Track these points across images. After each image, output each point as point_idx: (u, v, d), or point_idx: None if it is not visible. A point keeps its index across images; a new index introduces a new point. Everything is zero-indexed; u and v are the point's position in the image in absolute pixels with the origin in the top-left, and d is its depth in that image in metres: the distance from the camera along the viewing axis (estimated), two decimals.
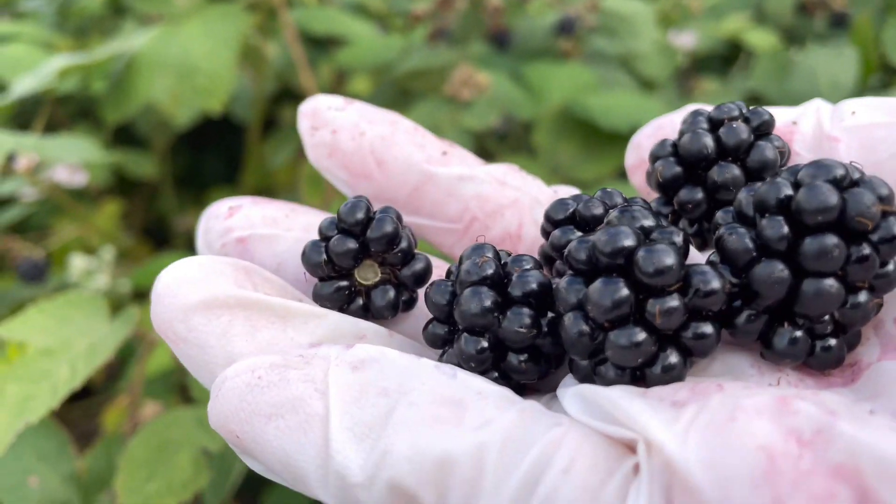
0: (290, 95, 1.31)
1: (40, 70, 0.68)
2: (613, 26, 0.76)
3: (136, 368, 0.36)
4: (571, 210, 0.23)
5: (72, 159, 0.55)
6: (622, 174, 0.82)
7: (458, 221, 0.26)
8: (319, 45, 1.29)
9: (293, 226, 0.25)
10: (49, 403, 0.31)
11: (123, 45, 0.70)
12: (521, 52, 0.78)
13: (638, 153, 0.27)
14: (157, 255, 0.87)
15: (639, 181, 0.27)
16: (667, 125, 0.27)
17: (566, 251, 0.19)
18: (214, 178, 1.54)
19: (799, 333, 0.19)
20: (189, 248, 1.16)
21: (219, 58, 0.66)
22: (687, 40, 1.02)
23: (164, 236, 1.37)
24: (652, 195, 0.25)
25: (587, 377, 0.19)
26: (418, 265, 0.23)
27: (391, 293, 0.22)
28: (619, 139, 0.69)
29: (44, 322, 0.35)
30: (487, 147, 0.76)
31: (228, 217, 0.25)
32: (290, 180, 1.07)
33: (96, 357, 0.32)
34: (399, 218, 0.23)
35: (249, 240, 0.24)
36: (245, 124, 1.12)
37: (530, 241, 0.26)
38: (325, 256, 0.22)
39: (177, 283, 0.21)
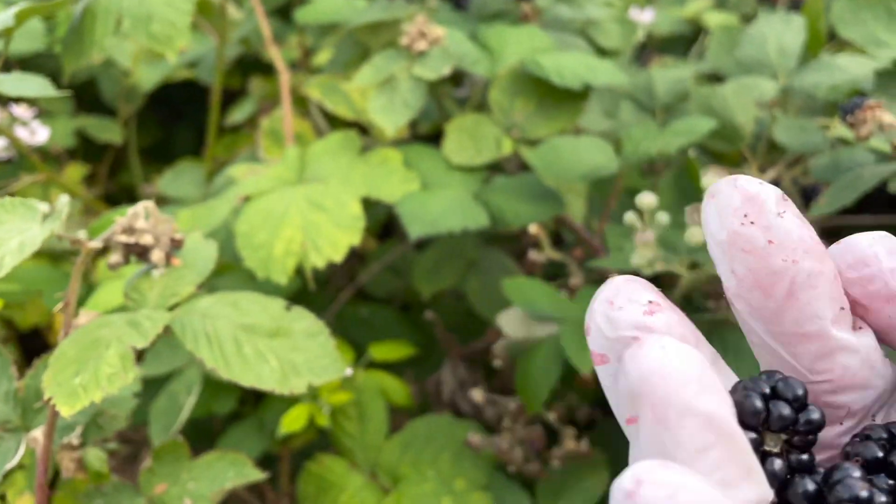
0: (257, 65, 1.31)
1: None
2: None
3: (73, 277, 0.37)
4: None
5: (30, 93, 0.55)
6: (574, 132, 0.83)
7: (826, 382, 0.24)
8: (286, 16, 1.29)
9: None
10: None
11: None
12: (479, 14, 0.79)
13: None
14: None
15: None
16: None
17: None
18: (184, 150, 1.54)
19: None
20: None
21: (176, 6, 0.66)
22: (646, 17, 1.04)
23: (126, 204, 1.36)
24: None
25: None
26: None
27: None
28: (571, 98, 0.71)
29: None
30: (445, 107, 0.77)
31: (648, 314, 0.22)
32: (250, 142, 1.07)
33: (24, 251, 0.32)
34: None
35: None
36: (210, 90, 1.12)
37: None
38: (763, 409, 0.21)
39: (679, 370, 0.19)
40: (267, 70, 1.33)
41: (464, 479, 0.61)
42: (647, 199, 0.47)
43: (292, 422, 0.63)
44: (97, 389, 0.32)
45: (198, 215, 0.59)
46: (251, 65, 1.22)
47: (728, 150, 0.66)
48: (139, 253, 0.37)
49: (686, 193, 0.63)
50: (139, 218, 0.37)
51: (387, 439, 0.65)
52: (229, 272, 0.63)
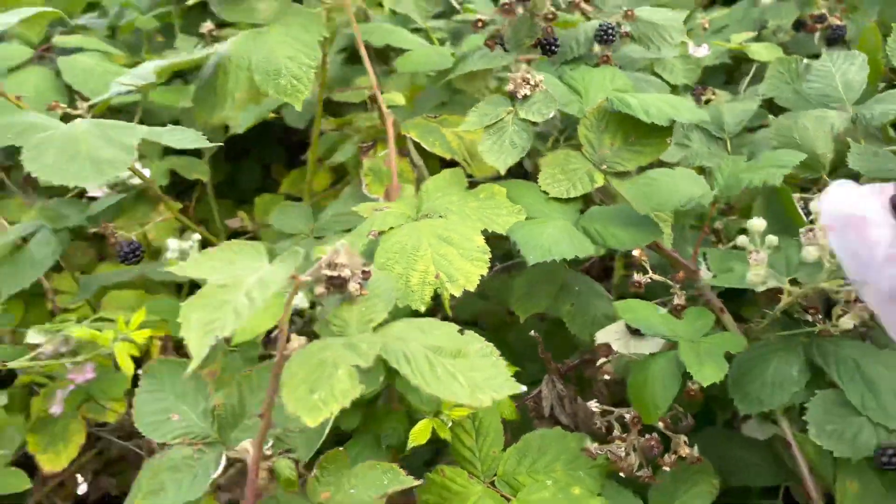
0: (328, 106, 1.40)
1: (138, 71, 0.76)
2: (647, 34, 0.84)
3: (286, 308, 0.43)
4: None
5: (187, 146, 0.63)
6: (659, 164, 0.89)
7: None
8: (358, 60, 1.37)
9: None
10: (234, 324, 0.37)
11: (208, 49, 0.78)
12: (563, 58, 0.86)
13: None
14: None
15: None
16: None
17: None
18: (250, 185, 1.62)
19: None
20: None
21: (300, 62, 0.73)
22: (702, 52, 1.11)
23: (208, 240, 1.44)
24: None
25: None
26: None
27: None
28: (656, 133, 0.77)
29: (212, 264, 0.42)
30: (536, 147, 0.84)
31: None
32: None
33: (268, 287, 0.38)
34: None
35: None
36: (294, 130, 1.21)
37: None
38: None
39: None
40: (335, 110, 1.41)
41: (580, 487, 0.66)
42: (757, 223, 0.53)
43: (418, 435, 0.69)
44: (334, 403, 0.38)
45: None
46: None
47: (811, 178, 0.72)
48: (339, 284, 0.43)
49: (778, 217, 0.68)
50: (339, 254, 0.43)
51: (503, 451, 0.71)
52: None
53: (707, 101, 1.18)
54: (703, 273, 0.67)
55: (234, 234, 1.33)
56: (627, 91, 0.82)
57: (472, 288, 0.60)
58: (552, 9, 0.74)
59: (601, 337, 0.74)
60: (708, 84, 1.65)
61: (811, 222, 0.52)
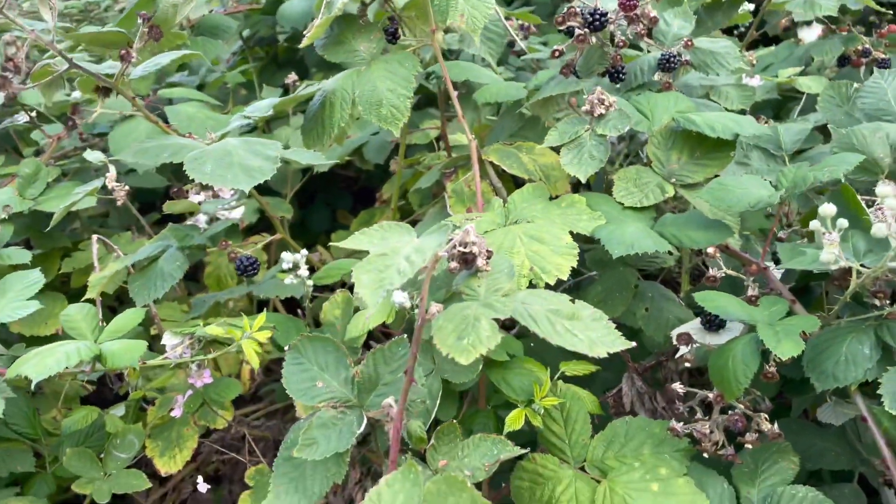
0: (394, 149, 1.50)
1: (256, 106, 0.87)
2: (706, 60, 0.92)
3: (425, 282, 0.51)
4: None
5: (313, 162, 0.72)
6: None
7: None
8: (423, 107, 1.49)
9: None
10: (399, 281, 0.45)
11: (315, 86, 0.89)
12: (626, 86, 0.94)
13: None
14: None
15: None
16: None
17: None
18: (319, 228, 1.74)
19: None
20: None
21: (398, 93, 0.83)
22: (755, 81, 1.19)
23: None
24: None
25: None
26: None
27: None
28: (720, 147, 0.84)
29: (369, 240, 0.50)
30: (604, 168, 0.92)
31: None
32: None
33: (424, 253, 0.46)
34: None
35: None
36: (357, 178, 1.31)
37: None
38: None
39: None
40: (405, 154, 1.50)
41: (666, 468, 0.71)
42: (829, 209, 0.59)
43: (513, 421, 0.75)
44: (481, 346, 0.46)
45: None
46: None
47: (870, 180, 0.78)
48: (470, 260, 0.51)
49: (842, 215, 0.74)
50: (469, 234, 0.51)
51: (591, 438, 0.76)
52: None
53: None
54: (773, 271, 0.73)
55: (313, 270, 1.43)
56: (691, 112, 0.90)
57: (564, 276, 0.67)
58: (623, 38, 0.83)
59: (680, 332, 0.80)
60: (759, 115, 1.73)
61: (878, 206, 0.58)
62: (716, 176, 0.85)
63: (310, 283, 0.90)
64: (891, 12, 1.90)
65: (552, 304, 0.51)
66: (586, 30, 0.80)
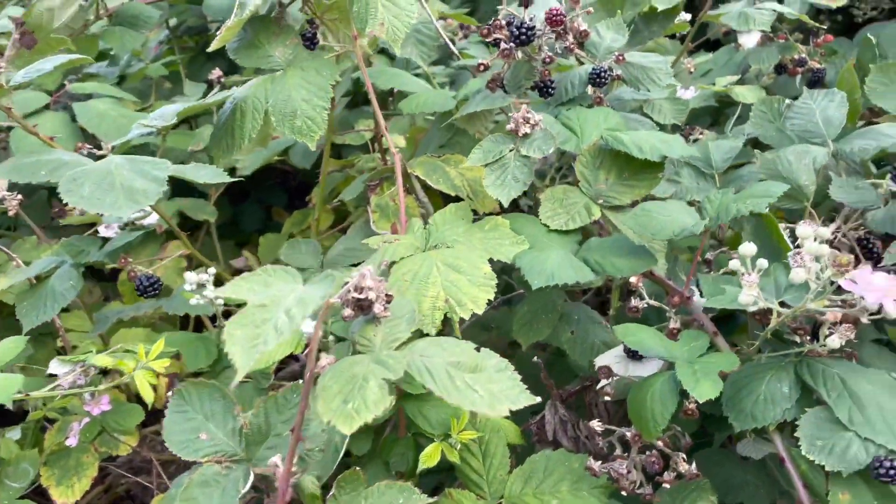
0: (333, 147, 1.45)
1: (159, 113, 0.80)
2: (637, 76, 0.89)
3: (315, 330, 0.46)
4: None
5: (210, 181, 0.66)
6: (651, 199, 0.94)
7: None
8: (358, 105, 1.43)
9: None
10: (276, 339, 0.41)
11: (225, 93, 0.83)
12: (558, 100, 0.91)
13: None
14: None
15: None
16: None
17: None
18: (251, 226, 1.66)
19: None
20: None
21: (314, 104, 0.78)
22: (689, 94, 1.17)
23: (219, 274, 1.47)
24: None
25: None
26: None
27: None
28: (649, 169, 0.82)
29: (251, 286, 0.45)
30: (534, 184, 0.88)
31: None
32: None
33: (307, 306, 0.42)
34: None
35: None
36: (293, 174, 1.25)
37: None
38: None
39: None
40: (337, 153, 1.45)
41: None
42: (748, 248, 0.57)
43: (429, 458, 0.71)
44: (367, 412, 0.41)
45: None
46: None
47: (794, 208, 0.76)
48: (365, 306, 0.47)
49: (765, 245, 0.73)
50: (365, 278, 0.47)
51: (509, 473, 0.73)
52: None
53: (695, 141, 1.24)
54: (696, 300, 0.71)
55: (238, 273, 1.36)
56: (620, 130, 0.88)
57: (479, 311, 0.63)
58: (550, 53, 0.79)
59: (601, 361, 0.77)
60: (696, 124, 1.73)
61: (797, 247, 0.56)
62: (645, 199, 0.83)
63: (220, 301, 0.85)
64: (826, 25, 1.92)
65: (454, 356, 0.47)
66: (512, 44, 0.76)
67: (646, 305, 0.71)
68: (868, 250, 0.80)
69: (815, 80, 1.37)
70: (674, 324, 0.69)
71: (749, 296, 0.56)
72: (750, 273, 0.56)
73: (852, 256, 0.54)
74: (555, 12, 0.74)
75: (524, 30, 0.76)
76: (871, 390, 0.60)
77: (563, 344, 0.86)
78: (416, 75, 1.17)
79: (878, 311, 0.55)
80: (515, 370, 0.98)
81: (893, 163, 0.73)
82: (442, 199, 0.97)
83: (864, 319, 0.56)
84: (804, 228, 0.55)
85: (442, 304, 0.64)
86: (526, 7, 0.78)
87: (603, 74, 0.87)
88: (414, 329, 0.65)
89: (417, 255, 0.69)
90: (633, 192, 0.82)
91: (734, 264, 0.58)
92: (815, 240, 0.56)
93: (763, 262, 0.57)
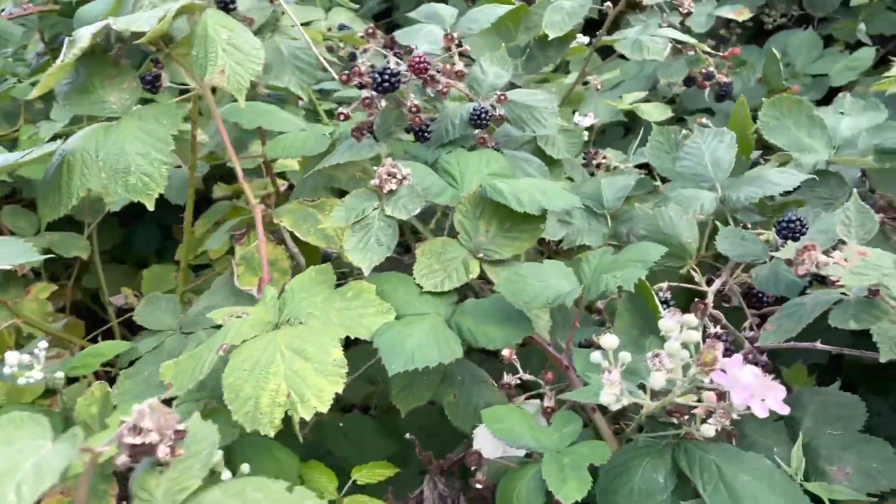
0: (224, 172, 1.35)
1: None
2: (521, 116, 0.83)
3: (81, 486, 0.38)
4: None
5: (14, 261, 0.57)
6: (538, 252, 0.88)
7: None
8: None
9: None
10: None
11: (53, 145, 0.73)
12: (438, 141, 0.84)
13: None
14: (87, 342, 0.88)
15: None
16: None
17: None
18: (145, 249, 1.54)
19: None
20: (127, 328, 1.16)
21: (152, 158, 0.69)
22: (588, 121, 1.12)
23: (95, 313, 1.36)
24: None
25: None
26: None
27: None
28: (531, 219, 0.76)
29: None
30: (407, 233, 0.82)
31: None
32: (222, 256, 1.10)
33: (42, 481, 0.34)
34: None
35: None
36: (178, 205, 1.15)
37: None
38: None
39: None
40: (229, 178, 1.36)
41: None
42: (609, 340, 0.52)
43: None
44: None
45: (182, 368, 0.61)
46: (215, 169, 1.26)
47: (677, 266, 0.72)
48: (145, 452, 0.39)
49: (643, 314, 0.68)
50: (145, 416, 0.39)
51: None
52: (215, 415, 0.64)
53: (598, 165, 1.19)
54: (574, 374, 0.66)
55: (122, 311, 1.25)
56: (504, 174, 0.82)
57: (324, 409, 0.56)
58: (416, 103, 0.72)
59: (478, 436, 0.72)
60: (607, 137, 1.69)
61: (661, 345, 0.51)
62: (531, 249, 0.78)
63: (60, 375, 0.75)
64: (737, 31, 1.91)
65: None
66: (374, 92, 0.69)
67: (518, 382, 0.66)
68: (758, 299, 0.76)
69: (723, 94, 1.35)
70: (548, 402, 0.64)
71: (610, 395, 0.50)
72: (611, 369, 0.51)
73: (718, 353, 0.49)
74: (418, 59, 0.67)
75: (387, 76, 0.69)
76: (748, 482, 0.56)
77: (446, 408, 0.79)
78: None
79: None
80: (404, 425, 0.92)
81: (781, 216, 0.69)
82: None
83: (734, 416, 0.51)
84: (667, 322, 0.50)
85: (283, 400, 0.57)
86: (392, 49, 0.71)
87: (483, 116, 0.81)
88: (252, 429, 0.57)
89: (262, 337, 0.62)
90: (515, 245, 0.77)
91: (595, 357, 0.52)
92: (680, 330, 0.51)
93: (626, 356, 0.52)
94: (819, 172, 0.84)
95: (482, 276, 0.77)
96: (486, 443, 0.69)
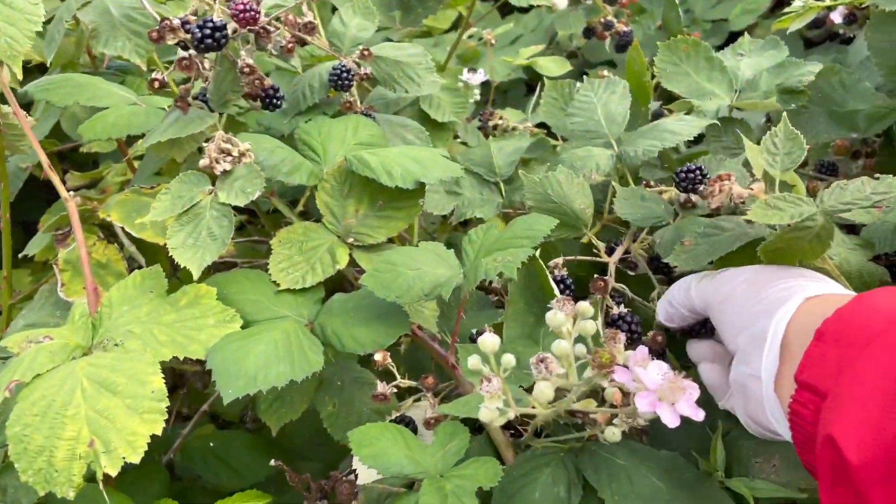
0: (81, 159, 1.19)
1: None
2: (392, 74, 0.72)
3: None
4: None
5: None
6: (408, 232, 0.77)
7: None
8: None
9: None
10: None
11: None
12: (295, 109, 0.72)
13: None
14: None
15: None
16: None
17: None
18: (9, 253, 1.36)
19: None
20: None
21: None
22: (478, 78, 1.01)
23: None
24: None
25: None
26: None
27: None
28: (407, 194, 0.65)
29: None
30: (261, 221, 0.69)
31: None
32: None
33: None
34: None
35: None
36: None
37: None
38: None
39: None
40: (85, 166, 1.19)
41: None
42: (489, 340, 0.41)
43: None
44: None
45: None
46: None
47: (575, 237, 0.63)
48: None
49: (538, 297, 0.58)
50: None
51: None
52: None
53: (495, 127, 1.09)
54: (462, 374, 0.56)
55: None
56: (375, 143, 0.70)
57: (136, 459, 0.44)
58: (249, 62, 0.59)
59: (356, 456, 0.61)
60: (510, 97, 1.59)
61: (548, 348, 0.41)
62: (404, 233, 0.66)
63: None
64: None
65: None
66: (191, 52, 0.56)
67: (394, 391, 0.55)
68: (665, 265, 0.68)
69: (624, 45, 1.26)
70: (430, 411, 0.54)
71: (491, 410, 0.40)
72: (491, 377, 0.40)
73: (618, 349, 0.40)
74: (243, 7, 0.54)
75: (208, 31, 0.55)
76: (660, 487, 0.48)
77: (324, 420, 0.68)
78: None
79: None
80: (284, 439, 0.80)
81: (681, 167, 0.61)
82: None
83: (641, 422, 0.42)
84: (555, 316, 0.40)
85: (85, 451, 0.44)
86: None
87: (345, 75, 0.69)
88: (45, 491, 0.45)
89: (60, 369, 0.49)
90: (390, 226, 0.66)
91: (473, 363, 0.42)
92: (573, 321, 0.41)
93: (509, 360, 0.42)
94: (722, 120, 0.76)
95: (354, 264, 0.66)
96: (362, 464, 0.58)
